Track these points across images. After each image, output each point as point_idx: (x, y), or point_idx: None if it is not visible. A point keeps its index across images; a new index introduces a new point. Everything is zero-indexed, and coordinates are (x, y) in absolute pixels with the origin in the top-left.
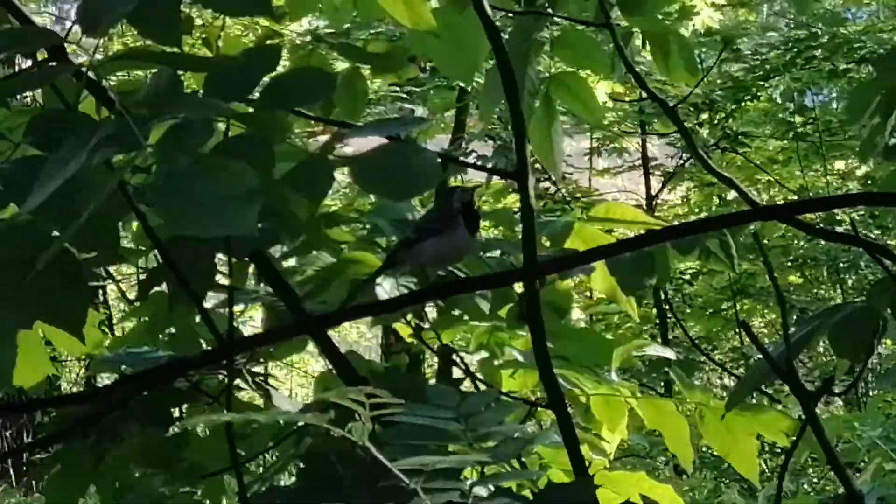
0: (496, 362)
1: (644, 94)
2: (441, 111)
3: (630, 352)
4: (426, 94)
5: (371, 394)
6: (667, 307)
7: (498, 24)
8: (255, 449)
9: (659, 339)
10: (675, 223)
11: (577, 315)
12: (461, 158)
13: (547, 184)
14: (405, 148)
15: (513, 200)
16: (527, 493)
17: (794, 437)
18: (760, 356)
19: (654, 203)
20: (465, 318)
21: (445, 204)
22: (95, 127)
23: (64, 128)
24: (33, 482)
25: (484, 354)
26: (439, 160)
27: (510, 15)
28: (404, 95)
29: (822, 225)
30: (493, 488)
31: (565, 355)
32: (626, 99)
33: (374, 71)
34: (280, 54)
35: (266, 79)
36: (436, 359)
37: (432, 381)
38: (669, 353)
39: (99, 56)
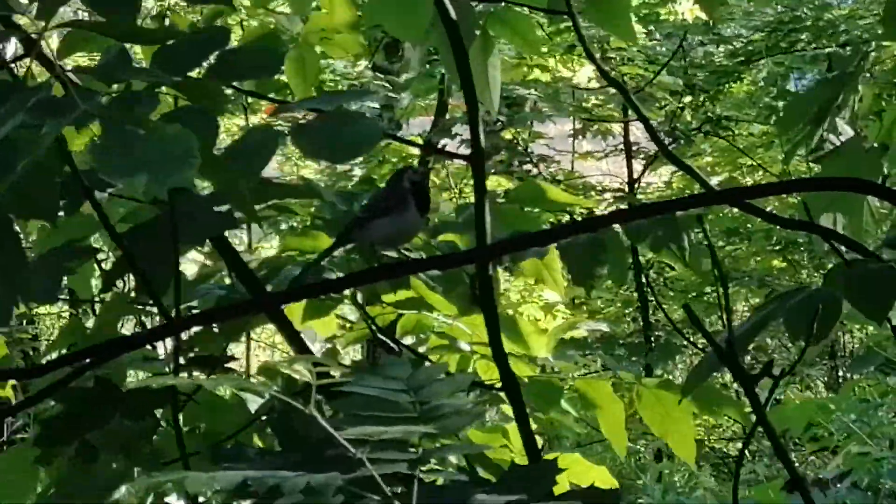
0: (421, 348)
1: (627, 79)
2: (423, 95)
3: (564, 331)
4: (409, 81)
5: (318, 363)
6: (647, 290)
7: None
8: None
9: (640, 323)
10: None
11: (555, 298)
12: (442, 141)
13: (528, 166)
14: (344, 114)
15: (495, 183)
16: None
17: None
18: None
19: (636, 186)
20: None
21: (396, 184)
22: (34, 92)
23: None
24: None
25: (410, 340)
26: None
27: None
28: (386, 84)
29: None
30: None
31: None
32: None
33: (323, 45)
34: (229, 35)
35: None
36: None
37: None
38: (603, 327)
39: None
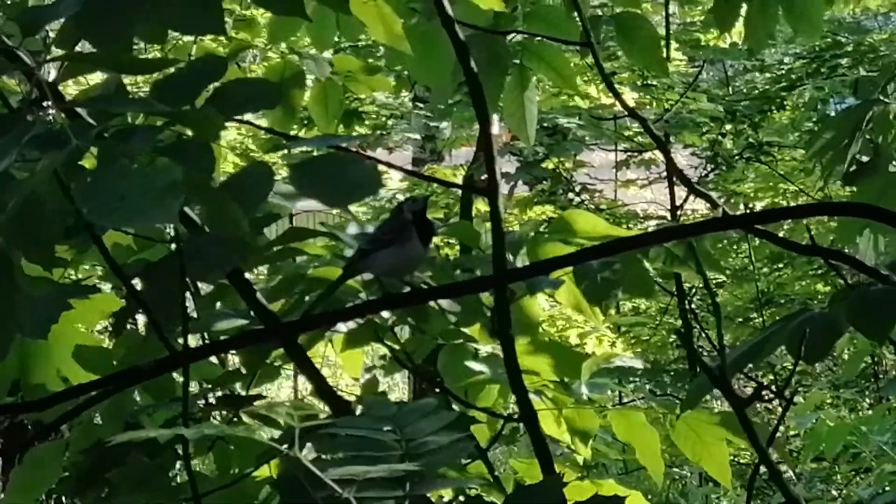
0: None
1: (668, 105)
2: (464, 123)
3: (598, 364)
4: (450, 110)
5: (301, 407)
6: (691, 317)
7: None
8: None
9: (685, 349)
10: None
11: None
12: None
13: (571, 195)
14: (344, 157)
15: (538, 212)
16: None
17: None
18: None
19: (678, 213)
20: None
21: (398, 216)
22: (30, 126)
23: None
24: None
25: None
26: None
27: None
28: (428, 113)
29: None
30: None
31: (535, 370)
32: (649, 109)
33: (348, 83)
34: (226, 65)
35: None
36: None
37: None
38: (637, 364)
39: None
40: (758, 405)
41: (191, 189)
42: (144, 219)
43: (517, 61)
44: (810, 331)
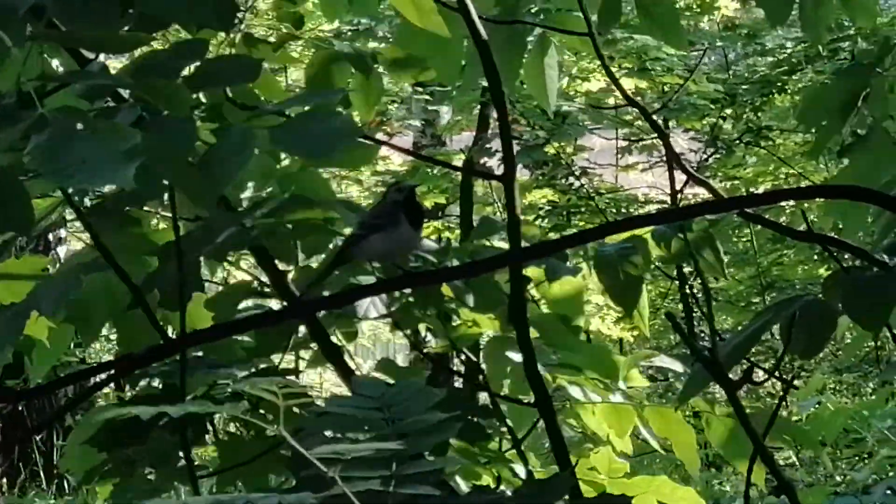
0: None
1: (667, 89)
2: (464, 108)
3: (637, 362)
4: (450, 93)
5: (285, 384)
6: (692, 301)
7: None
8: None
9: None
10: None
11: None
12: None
13: (571, 179)
14: (318, 112)
15: (539, 196)
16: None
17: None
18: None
19: (678, 197)
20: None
21: (386, 201)
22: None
23: None
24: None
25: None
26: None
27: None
28: (428, 97)
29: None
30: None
31: (575, 364)
32: (648, 93)
33: (392, 72)
34: (207, 48)
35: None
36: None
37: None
38: (677, 366)
39: None
40: (761, 391)
41: (164, 165)
42: (105, 180)
43: (539, 31)
44: (805, 322)
